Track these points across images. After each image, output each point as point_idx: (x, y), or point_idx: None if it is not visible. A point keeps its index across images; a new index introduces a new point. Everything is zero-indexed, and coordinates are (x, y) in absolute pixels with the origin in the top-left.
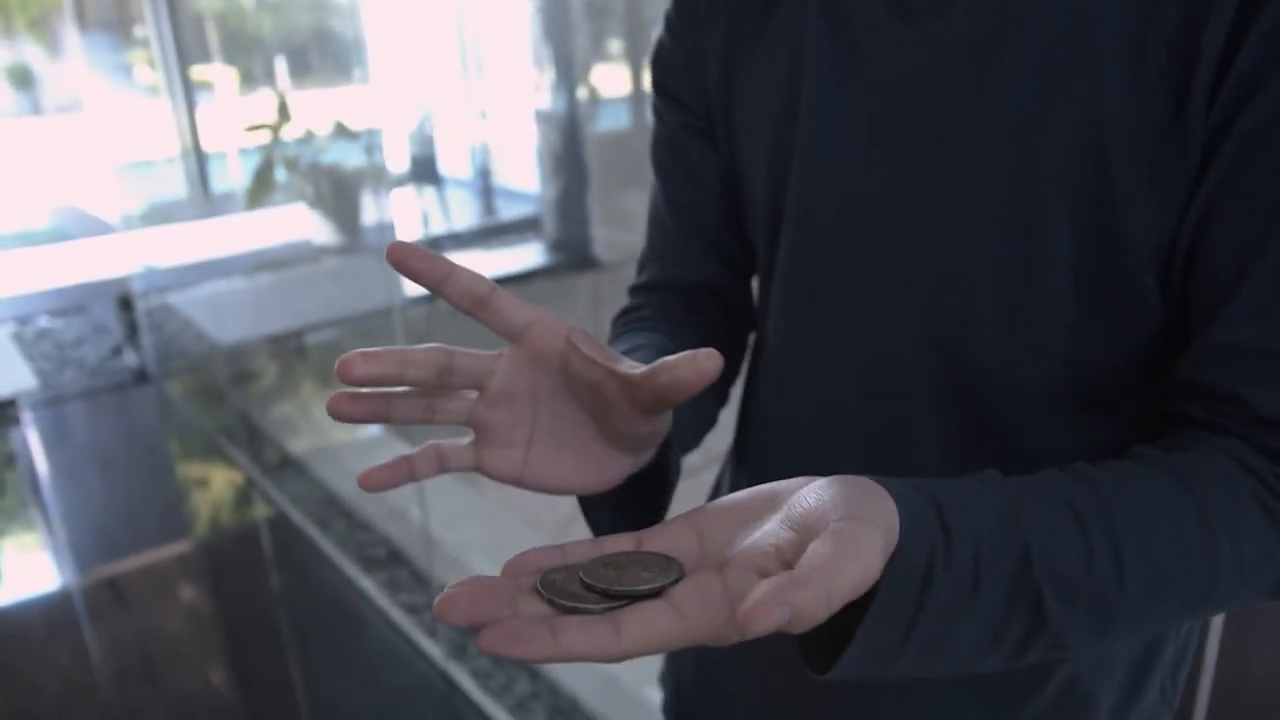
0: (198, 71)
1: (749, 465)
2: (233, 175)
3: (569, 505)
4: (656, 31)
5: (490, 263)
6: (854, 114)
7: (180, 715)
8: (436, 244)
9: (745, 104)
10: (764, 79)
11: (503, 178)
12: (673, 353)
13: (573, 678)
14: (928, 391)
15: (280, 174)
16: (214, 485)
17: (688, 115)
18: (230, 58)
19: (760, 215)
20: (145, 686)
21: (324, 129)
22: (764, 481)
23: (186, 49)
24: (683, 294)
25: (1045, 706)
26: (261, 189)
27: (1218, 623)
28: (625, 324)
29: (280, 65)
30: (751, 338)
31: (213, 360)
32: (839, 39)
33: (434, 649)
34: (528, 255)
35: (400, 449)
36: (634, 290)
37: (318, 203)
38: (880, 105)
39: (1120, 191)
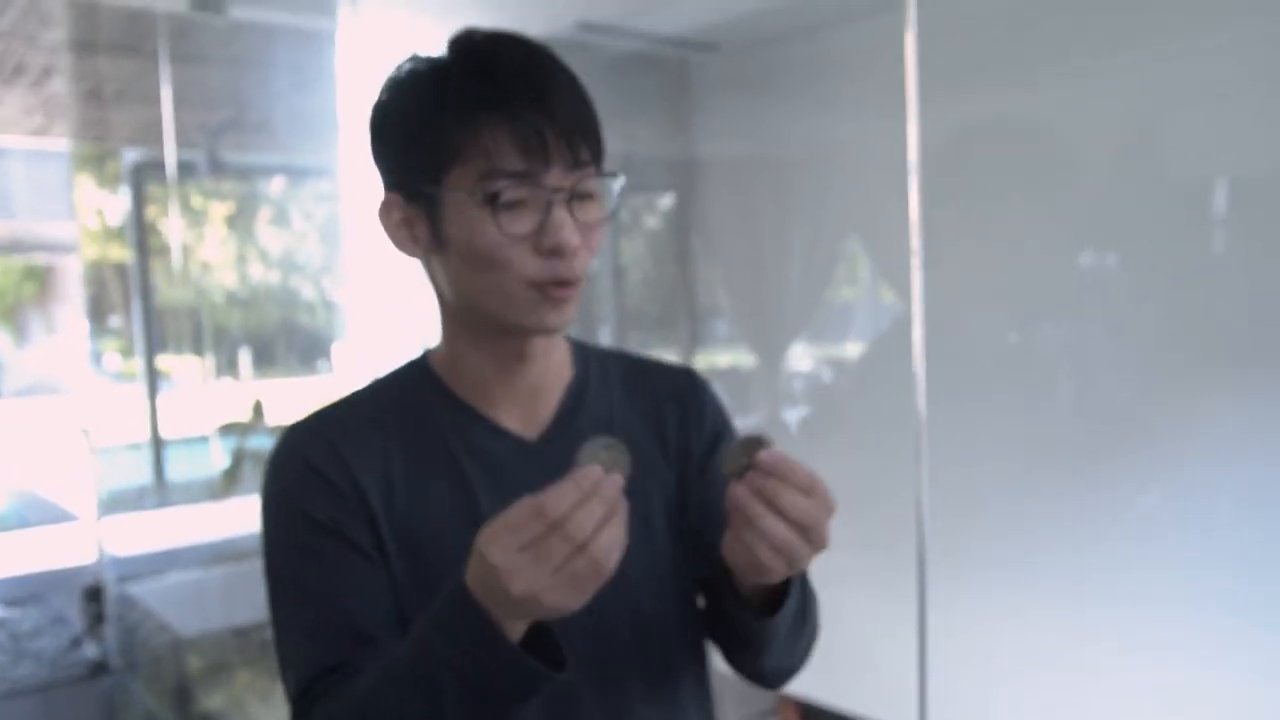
0: (165, 361)
1: None
2: (198, 464)
3: None
4: None
5: None
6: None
7: None
8: None
9: (416, 522)
10: (434, 503)
11: None
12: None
13: None
14: (623, 648)
15: (248, 467)
16: None
17: (362, 533)
18: (198, 349)
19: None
20: None
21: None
22: None
23: (157, 339)
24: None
25: None
26: (230, 483)
27: None
28: (342, 686)
29: (244, 356)
30: None
31: (176, 653)
32: (491, 469)
33: None
34: None
35: None
36: (307, 697)
37: None
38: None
39: (680, 512)
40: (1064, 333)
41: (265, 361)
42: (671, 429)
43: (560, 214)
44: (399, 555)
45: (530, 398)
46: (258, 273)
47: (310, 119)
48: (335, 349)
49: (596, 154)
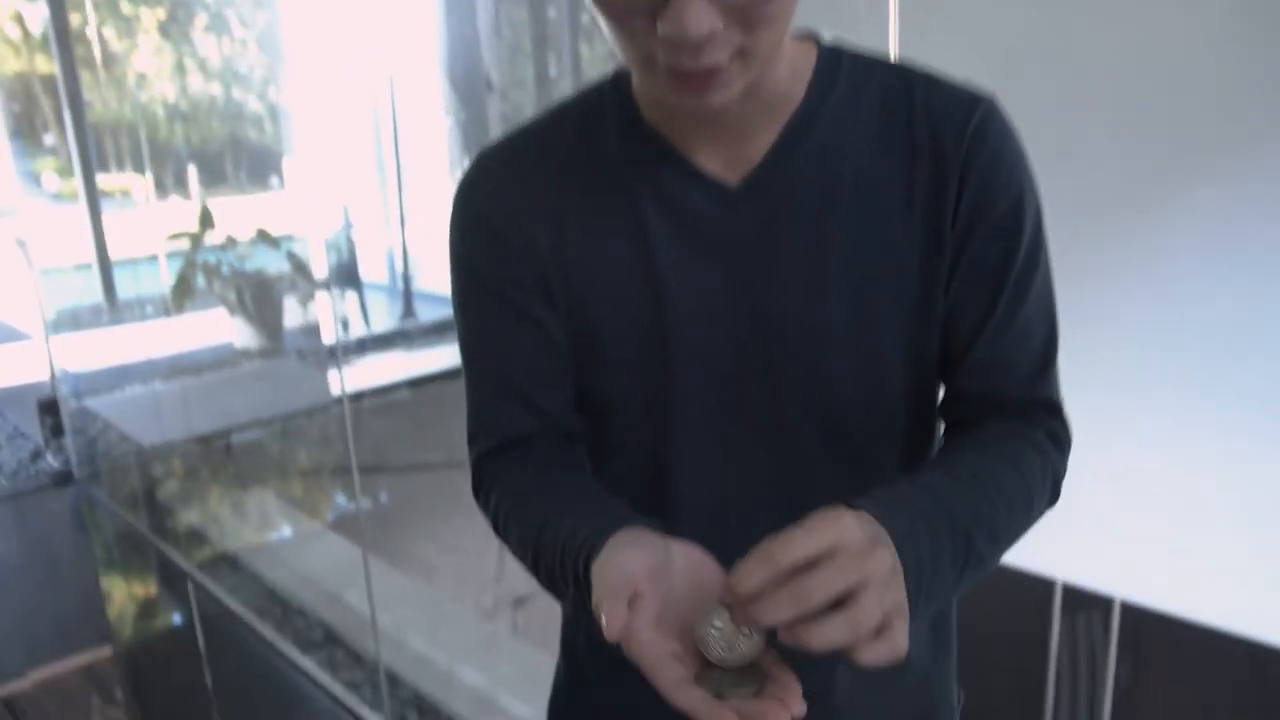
0: (109, 179)
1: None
2: (150, 281)
3: (501, 589)
4: None
5: (410, 363)
6: (711, 273)
7: None
8: (360, 346)
9: (587, 276)
10: (606, 256)
11: (422, 282)
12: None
13: None
14: (813, 448)
15: (200, 280)
16: (144, 587)
17: (529, 293)
18: (141, 166)
19: (632, 359)
20: None
21: (245, 236)
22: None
23: (96, 157)
24: (536, 444)
25: None
26: (182, 295)
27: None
28: (514, 501)
29: (192, 173)
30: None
31: (140, 461)
32: (679, 220)
33: None
34: (446, 356)
35: (337, 542)
36: (488, 456)
37: (238, 308)
38: (729, 263)
39: (919, 296)
40: (1045, 126)
41: (214, 179)
42: (924, 172)
43: None
44: (567, 310)
45: (736, 133)
46: (198, 84)
47: None
48: (286, 163)
49: None
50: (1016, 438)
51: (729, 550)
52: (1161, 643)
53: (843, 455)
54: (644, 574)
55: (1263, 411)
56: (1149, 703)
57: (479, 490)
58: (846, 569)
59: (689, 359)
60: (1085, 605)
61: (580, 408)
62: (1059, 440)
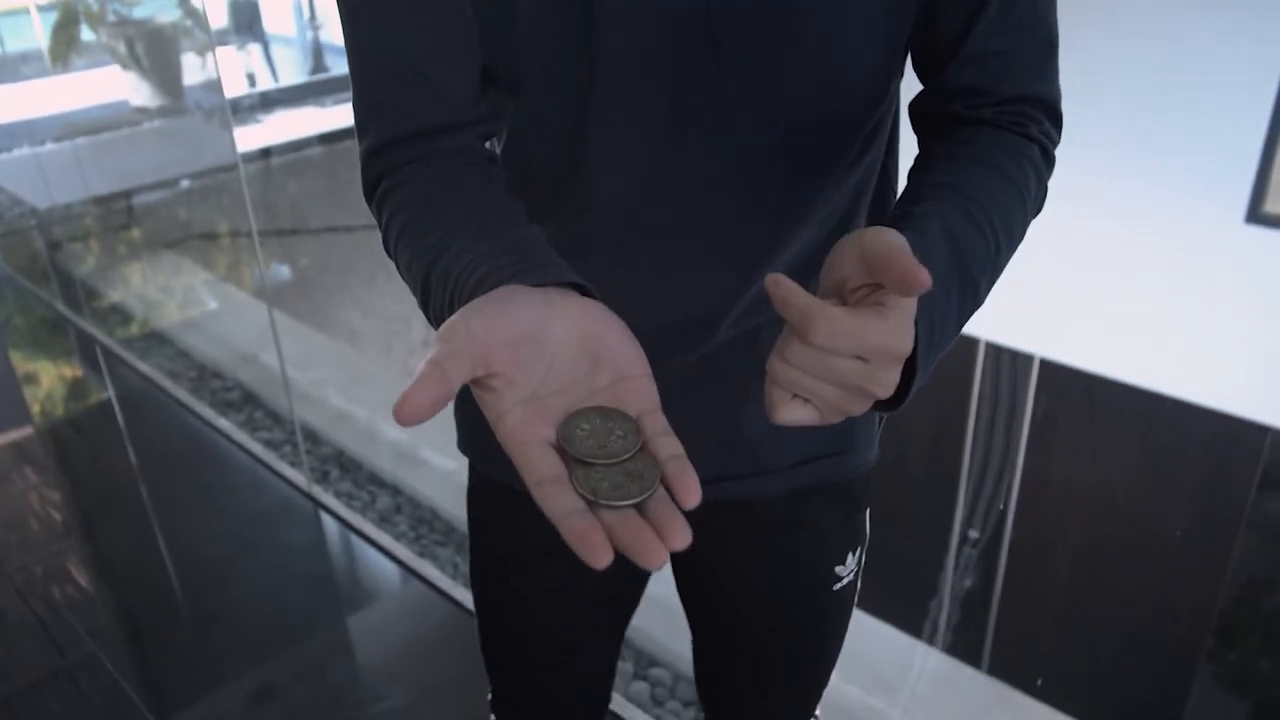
0: None
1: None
2: (31, 35)
3: (429, 352)
4: None
5: (323, 119)
6: None
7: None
8: (265, 101)
9: None
10: None
11: (333, 33)
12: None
13: (430, 489)
14: (756, 145)
15: (86, 32)
16: (53, 359)
17: None
18: None
19: (547, 28)
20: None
21: None
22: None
23: None
24: (440, 147)
25: None
26: (64, 44)
27: (1023, 437)
28: (406, 219)
29: None
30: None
31: (39, 225)
32: None
33: (299, 476)
34: None
35: (249, 304)
36: (383, 151)
37: (131, 62)
38: None
39: None
40: None
41: None
42: None
43: None
44: None
45: None
46: None
47: None
48: None
49: None
50: (1017, 156)
51: (653, 260)
52: (1079, 398)
53: (785, 153)
54: (501, 344)
55: (1188, 173)
56: (1062, 450)
57: (371, 193)
58: (852, 373)
59: (615, 33)
60: (1006, 362)
61: (484, 92)
62: (1049, 154)
